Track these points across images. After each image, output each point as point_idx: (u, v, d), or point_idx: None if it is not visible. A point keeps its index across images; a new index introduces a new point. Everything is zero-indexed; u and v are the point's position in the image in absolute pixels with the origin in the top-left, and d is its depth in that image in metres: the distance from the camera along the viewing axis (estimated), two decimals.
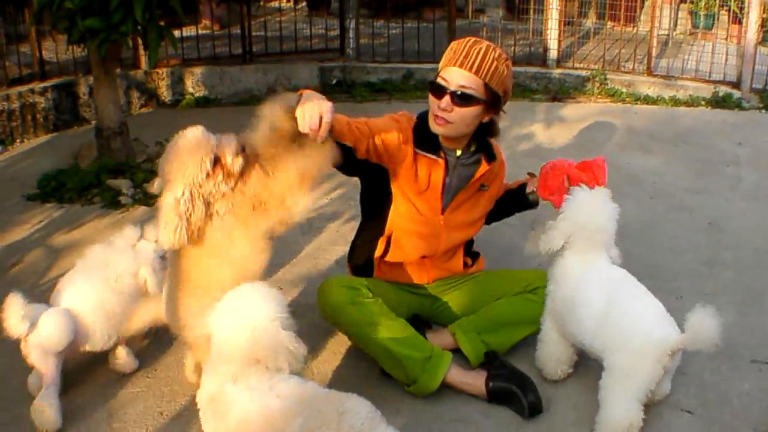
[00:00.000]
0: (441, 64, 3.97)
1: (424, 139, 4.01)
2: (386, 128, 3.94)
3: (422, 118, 4.06)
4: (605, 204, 3.95)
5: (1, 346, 4.46)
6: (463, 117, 3.89)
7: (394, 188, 4.03)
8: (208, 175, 3.48)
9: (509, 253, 5.50)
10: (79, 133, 8.43)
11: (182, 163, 3.49)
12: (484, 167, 4.14)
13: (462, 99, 3.85)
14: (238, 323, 3.01)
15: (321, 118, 3.32)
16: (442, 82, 3.88)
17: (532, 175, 4.34)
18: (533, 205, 4.35)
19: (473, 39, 3.96)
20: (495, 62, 3.87)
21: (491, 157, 4.17)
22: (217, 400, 3.05)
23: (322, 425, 2.83)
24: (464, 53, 3.86)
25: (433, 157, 4.00)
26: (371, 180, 4.07)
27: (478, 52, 3.85)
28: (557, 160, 4.13)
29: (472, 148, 4.13)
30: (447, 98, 3.84)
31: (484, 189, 4.23)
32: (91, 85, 8.51)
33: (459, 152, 4.09)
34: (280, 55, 10.64)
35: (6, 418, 3.89)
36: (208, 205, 3.54)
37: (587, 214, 3.87)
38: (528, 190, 4.28)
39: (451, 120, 3.89)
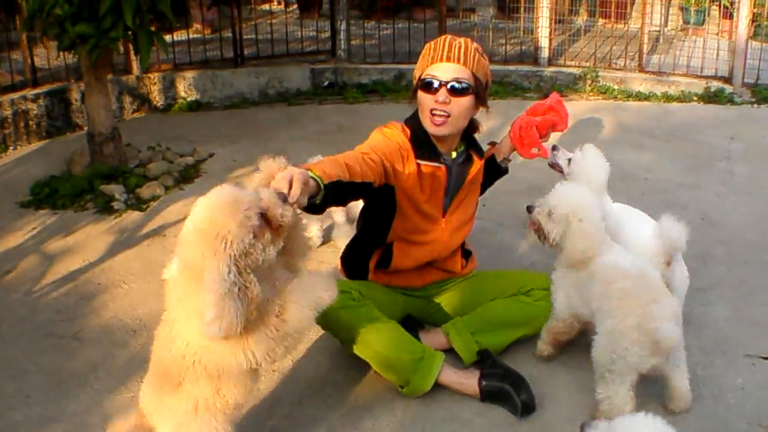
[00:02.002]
0: (421, 66, 3.96)
1: (423, 148, 3.99)
2: (389, 150, 3.88)
3: (414, 127, 4.03)
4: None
5: None
6: (461, 108, 3.89)
7: (401, 200, 4.00)
8: (255, 236, 2.87)
9: (501, 252, 5.51)
10: (71, 140, 8.44)
11: (219, 231, 2.85)
12: (477, 164, 4.15)
13: (458, 89, 3.86)
14: None
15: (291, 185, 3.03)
16: (433, 79, 3.87)
17: (493, 144, 4.47)
18: (505, 171, 4.52)
19: (448, 36, 3.98)
20: (476, 53, 3.92)
21: (481, 152, 4.19)
22: None
23: None
24: (446, 48, 3.88)
25: (436, 164, 4.01)
26: (378, 197, 4.03)
27: (459, 46, 3.89)
28: (520, 119, 4.29)
29: (461, 148, 4.14)
30: (443, 91, 3.84)
31: (475, 183, 4.25)
32: (83, 91, 8.50)
33: (454, 155, 4.10)
34: (272, 58, 10.64)
35: (1, 425, 3.89)
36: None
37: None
38: (499, 159, 4.41)
39: (450, 112, 3.87)
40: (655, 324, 3.54)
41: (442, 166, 4.03)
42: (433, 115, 3.90)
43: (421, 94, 3.94)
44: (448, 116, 3.88)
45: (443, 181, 4.06)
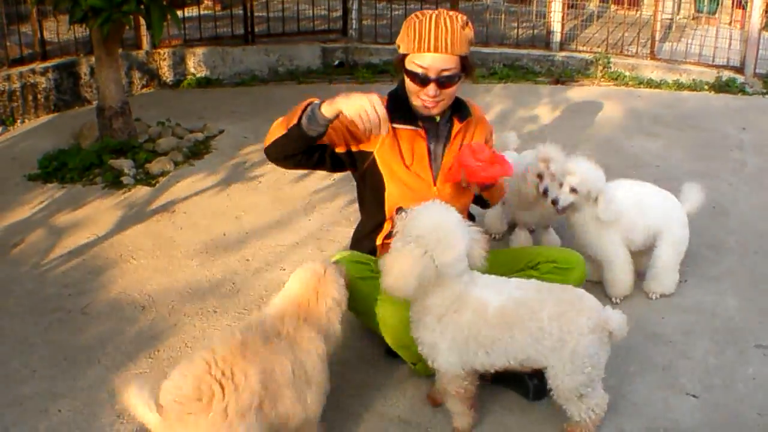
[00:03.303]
0: (407, 45, 3.84)
1: (399, 112, 3.95)
2: None
3: (393, 95, 4.03)
4: None
5: (3, 328, 4.48)
6: (450, 94, 3.89)
7: (384, 170, 3.97)
8: None
9: (510, 232, 5.49)
10: (80, 114, 8.41)
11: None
12: (456, 125, 4.09)
13: (446, 82, 3.82)
14: None
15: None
16: (421, 71, 3.80)
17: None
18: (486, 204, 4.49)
19: (432, 15, 3.83)
20: (460, 31, 3.80)
21: (464, 115, 4.14)
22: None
23: None
24: (432, 35, 3.75)
25: (412, 127, 3.97)
26: (361, 170, 4.03)
27: (446, 30, 3.76)
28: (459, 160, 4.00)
29: (448, 113, 4.10)
30: (432, 86, 3.80)
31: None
32: (92, 65, 8.48)
33: (438, 119, 4.06)
34: (283, 36, 10.61)
35: (11, 398, 3.87)
36: None
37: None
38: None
39: (441, 99, 3.87)
40: (601, 316, 3.45)
41: (421, 130, 3.98)
42: (423, 101, 3.88)
43: (408, 79, 3.88)
44: (440, 101, 3.88)
45: (424, 145, 4.02)
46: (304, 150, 3.76)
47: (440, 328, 3.43)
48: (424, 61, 3.78)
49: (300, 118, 3.59)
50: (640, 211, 4.69)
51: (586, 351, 3.37)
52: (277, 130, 3.75)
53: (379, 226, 4.14)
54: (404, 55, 3.89)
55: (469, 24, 3.90)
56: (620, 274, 4.73)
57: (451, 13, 3.86)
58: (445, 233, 3.34)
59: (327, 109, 3.54)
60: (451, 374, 3.50)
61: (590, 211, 4.61)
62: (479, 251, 3.47)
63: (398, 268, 3.29)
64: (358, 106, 3.46)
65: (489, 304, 3.40)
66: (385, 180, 3.99)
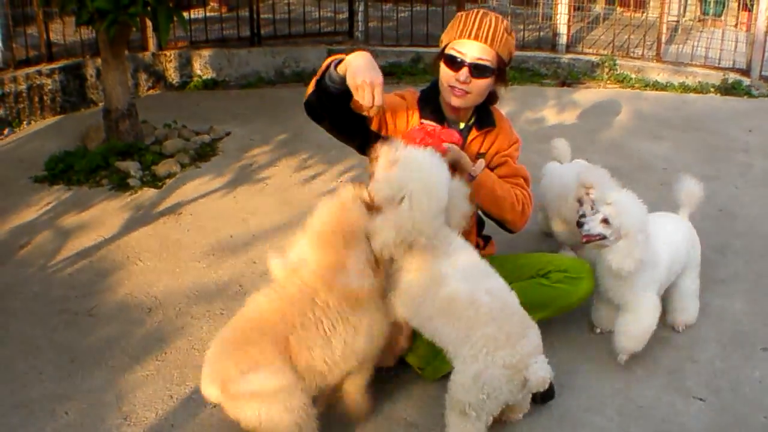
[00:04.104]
0: (449, 36, 3.97)
1: (429, 109, 4.04)
2: (394, 102, 4.00)
3: (426, 92, 4.11)
4: None
5: (10, 330, 4.49)
6: (480, 88, 3.92)
7: None
8: None
9: (520, 237, 5.47)
10: (86, 115, 8.41)
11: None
12: (473, 133, 4.12)
13: (479, 71, 3.88)
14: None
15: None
16: (458, 55, 3.88)
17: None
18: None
19: (480, 10, 3.98)
20: (504, 32, 3.92)
21: (484, 124, 4.15)
22: None
23: None
24: (477, 25, 3.88)
25: (435, 125, 4.00)
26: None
27: (489, 24, 3.88)
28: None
29: (472, 120, 4.12)
30: (465, 70, 3.86)
31: (480, 157, 4.18)
32: (98, 66, 8.49)
33: (462, 125, 4.09)
34: (289, 38, 10.60)
35: (18, 400, 3.87)
36: None
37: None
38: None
39: (469, 90, 3.91)
40: (527, 362, 3.37)
41: None
42: (452, 87, 3.92)
43: (443, 66, 3.95)
44: (467, 93, 3.90)
45: None
46: (332, 109, 3.74)
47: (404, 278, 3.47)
48: (463, 46, 3.88)
49: (322, 74, 3.64)
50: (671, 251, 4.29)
51: (488, 379, 3.33)
52: (308, 88, 3.78)
53: None
54: (444, 49, 3.96)
55: (513, 34, 4.00)
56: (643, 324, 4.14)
57: (499, 16, 3.95)
58: (427, 180, 3.34)
59: (341, 68, 3.56)
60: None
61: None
62: (460, 209, 3.52)
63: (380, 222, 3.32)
64: (359, 83, 3.45)
65: (447, 286, 3.42)
66: None
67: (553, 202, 4.84)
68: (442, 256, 3.43)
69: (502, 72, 4.02)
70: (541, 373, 3.34)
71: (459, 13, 4.03)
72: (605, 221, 3.93)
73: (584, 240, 4.01)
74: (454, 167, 3.95)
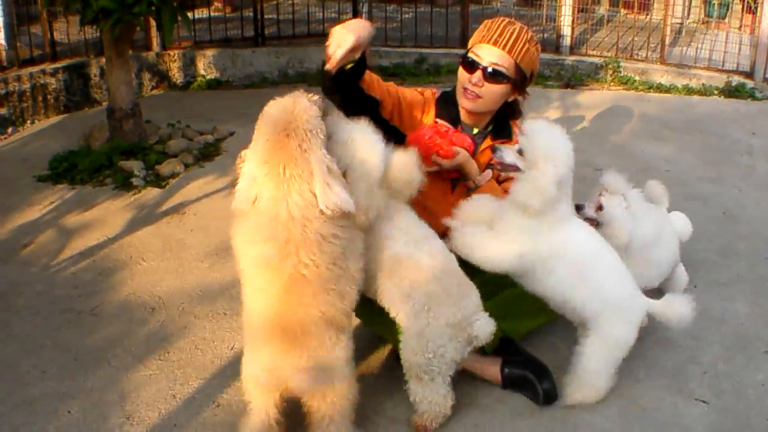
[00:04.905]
0: (472, 41, 4.07)
1: (446, 112, 4.09)
2: (412, 96, 4.09)
3: (446, 94, 4.18)
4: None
5: (13, 329, 4.49)
6: (492, 93, 3.98)
7: None
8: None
9: None
10: (89, 115, 8.42)
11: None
12: (487, 141, 4.15)
13: (493, 75, 3.95)
14: None
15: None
16: (475, 58, 3.98)
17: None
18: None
19: (507, 19, 4.05)
20: (527, 44, 3.99)
21: (500, 135, 4.17)
22: None
23: None
24: (498, 32, 3.96)
25: (449, 127, 4.02)
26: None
27: (512, 33, 3.96)
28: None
29: (489, 128, 4.14)
30: (479, 73, 3.95)
31: (491, 168, 4.20)
32: (102, 66, 8.50)
33: (476, 130, 4.11)
34: (293, 38, 10.61)
35: (20, 399, 3.88)
36: None
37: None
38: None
39: (481, 95, 3.97)
40: (470, 320, 3.50)
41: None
42: (465, 90, 4.00)
43: (461, 68, 4.05)
44: (479, 97, 3.95)
45: None
46: (342, 86, 3.76)
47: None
48: (482, 51, 3.98)
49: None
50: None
51: (432, 336, 3.43)
52: None
53: None
54: (464, 53, 4.04)
55: (538, 47, 4.08)
56: None
57: (526, 28, 4.03)
58: (359, 144, 3.41)
59: None
60: None
61: None
62: (404, 174, 3.53)
63: None
64: (331, 36, 3.54)
65: (390, 248, 3.48)
66: None
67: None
68: (386, 218, 3.50)
69: (520, 83, 4.07)
70: (486, 328, 3.50)
71: (487, 20, 4.10)
72: (520, 152, 3.66)
73: (498, 167, 3.81)
74: (460, 172, 3.97)
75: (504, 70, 3.95)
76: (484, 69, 3.93)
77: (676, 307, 3.70)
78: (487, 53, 3.95)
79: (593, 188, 4.29)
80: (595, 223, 4.08)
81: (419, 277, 3.46)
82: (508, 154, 3.68)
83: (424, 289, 3.45)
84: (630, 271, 3.86)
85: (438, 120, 4.05)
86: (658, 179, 4.99)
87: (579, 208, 4.06)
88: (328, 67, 3.57)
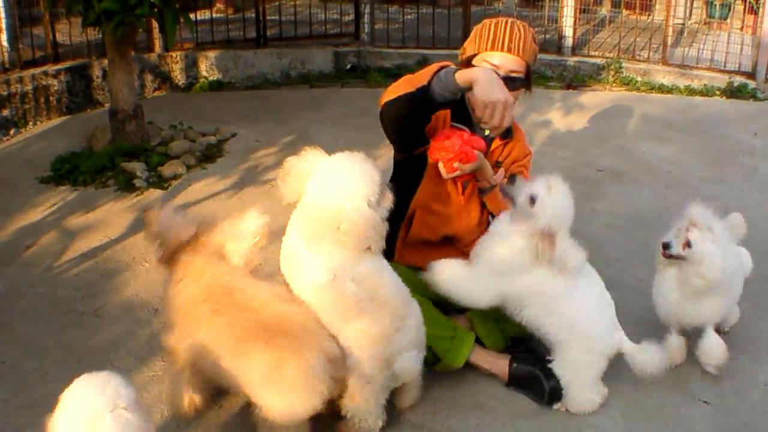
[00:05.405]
0: (478, 46, 4.01)
1: (459, 114, 4.05)
2: None
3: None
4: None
5: (16, 330, 4.49)
6: (513, 99, 3.91)
7: (430, 164, 4.02)
8: None
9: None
10: (92, 116, 8.42)
11: None
12: (496, 142, 4.16)
13: (513, 83, 3.93)
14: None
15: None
16: (492, 68, 3.88)
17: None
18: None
19: (508, 20, 4.02)
20: (532, 42, 4.01)
21: (506, 134, 4.18)
22: None
23: None
24: (508, 36, 3.93)
25: (468, 130, 4.01)
26: (412, 155, 4.09)
27: (520, 35, 3.94)
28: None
29: None
30: None
31: (498, 166, 4.21)
32: (104, 67, 8.51)
33: (487, 132, 4.10)
34: (295, 40, 10.62)
35: (23, 401, 3.88)
36: None
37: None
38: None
39: None
40: (396, 356, 3.44)
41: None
42: None
43: None
44: None
45: None
46: (420, 114, 3.75)
47: None
48: (497, 59, 3.94)
49: (431, 80, 3.58)
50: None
51: (362, 370, 3.41)
52: (399, 88, 3.73)
53: (399, 222, 4.16)
54: (470, 58, 3.99)
55: (536, 38, 4.07)
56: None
57: (525, 24, 4.02)
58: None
59: (460, 77, 3.53)
60: None
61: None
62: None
63: None
64: (493, 98, 3.48)
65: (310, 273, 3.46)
66: (425, 175, 4.04)
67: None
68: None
69: (529, 80, 4.10)
70: (406, 365, 3.45)
71: (485, 22, 4.06)
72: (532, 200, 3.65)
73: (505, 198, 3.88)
74: (474, 174, 3.97)
75: (521, 75, 3.98)
76: (505, 79, 3.80)
77: (647, 355, 3.70)
78: (503, 61, 3.92)
79: (675, 223, 4.08)
80: (683, 261, 3.91)
81: (346, 311, 3.41)
82: (521, 199, 3.68)
83: (354, 326, 3.39)
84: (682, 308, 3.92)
85: (454, 124, 4.04)
86: (660, 180, 4.98)
87: (666, 246, 3.92)
88: (497, 131, 3.65)
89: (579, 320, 3.73)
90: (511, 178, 4.04)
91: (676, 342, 3.95)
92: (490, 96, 3.44)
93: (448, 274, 3.75)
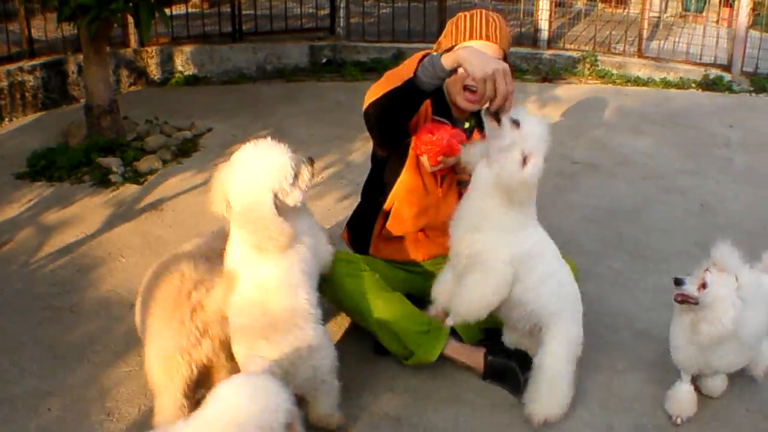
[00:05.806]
0: (455, 38, 3.98)
1: (440, 108, 4.03)
2: None
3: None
4: None
5: None
6: None
7: (410, 156, 4.03)
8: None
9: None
10: (67, 112, 8.38)
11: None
12: (475, 136, 4.14)
13: None
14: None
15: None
16: None
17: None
18: None
19: (482, 11, 4.02)
20: (506, 29, 3.99)
21: (482, 127, 4.17)
22: None
23: None
24: (485, 26, 3.92)
25: (450, 124, 4.01)
26: (395, 149, 4.07)
27: (495, 25, 3.93)
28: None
29: (472, 121, 4.14)
30: None
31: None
32: (80, 63, 8.46)
33: (467, 125, 4.11)
34: (270, 34, 10.59)
35: (0, 397, 3.87)
36: None
37: None
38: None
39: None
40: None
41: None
42: (465, 89, 3.94)
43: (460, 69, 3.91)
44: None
45: None
46: (409, 108, 3.68)
47: None
48: (474, 47, 3.84)
49: (416, 71, 3.52)
50: None
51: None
52: (382, 86, 3.67)
53: (376, 215, 4.16)
54: (447, 51, 3.95)
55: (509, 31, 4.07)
56: None
57: (497, 13, 4.02)
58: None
59: (447, 60, 3.47)
60: None
61: None
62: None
63: None
64: (490, 69, 3.38)
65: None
66: (405, 167, 4.03)
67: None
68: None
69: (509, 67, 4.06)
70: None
71: (459, 15, 4.05)
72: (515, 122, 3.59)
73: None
74: (453, 166, 3.97)
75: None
76: None
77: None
78: (483, 49, 3.75)
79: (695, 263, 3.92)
80: (694, 303, 3.57)
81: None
82: (505, 122, 3.57)
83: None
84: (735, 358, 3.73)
85: (435, 117, 4.02)
86: (635, 172, 4.98)
87: (678, 283, 3.63)
88: (492, 108, 3.48)
89: (567, 283, 3.76)
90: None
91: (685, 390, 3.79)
92: (486, 68, 3.37)
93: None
